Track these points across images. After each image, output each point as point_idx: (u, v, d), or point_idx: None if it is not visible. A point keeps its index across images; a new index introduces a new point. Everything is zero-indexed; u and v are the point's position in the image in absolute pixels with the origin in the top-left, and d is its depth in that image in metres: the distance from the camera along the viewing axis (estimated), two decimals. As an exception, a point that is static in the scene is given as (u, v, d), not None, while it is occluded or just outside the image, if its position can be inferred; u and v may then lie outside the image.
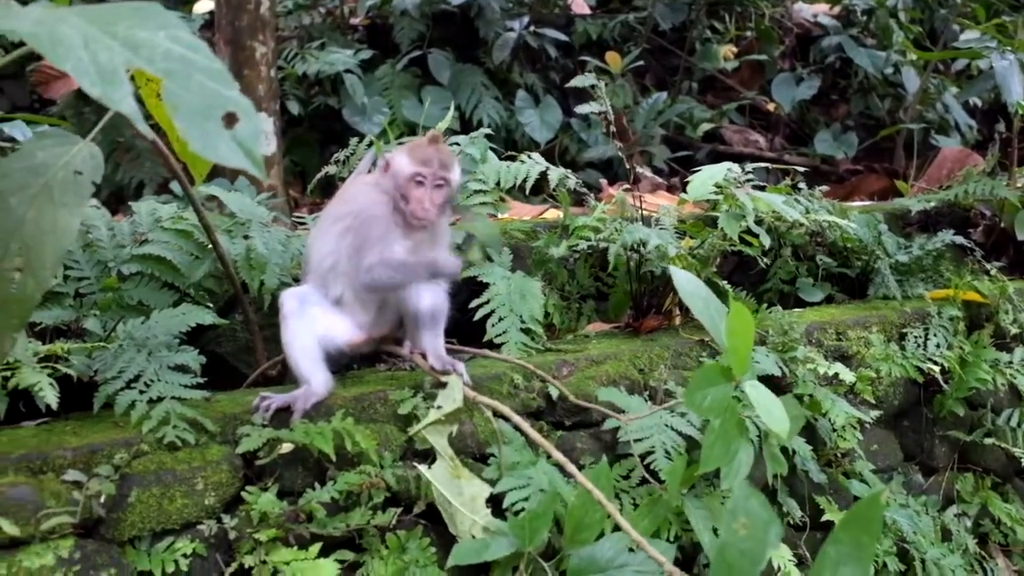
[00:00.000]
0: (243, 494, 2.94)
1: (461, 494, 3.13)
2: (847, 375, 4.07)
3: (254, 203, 4.03)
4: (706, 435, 2.86)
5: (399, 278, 3.27)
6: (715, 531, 3.35)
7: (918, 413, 4.75)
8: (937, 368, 4.49)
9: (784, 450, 3.84)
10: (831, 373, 4.06)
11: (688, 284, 2.79)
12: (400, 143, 4.46)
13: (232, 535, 2.88)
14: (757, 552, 1.71)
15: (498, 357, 3.63)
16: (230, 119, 1.85)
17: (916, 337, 4.66)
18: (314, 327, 3.27)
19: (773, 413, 2.78)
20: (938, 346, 4.64)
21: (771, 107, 9.43)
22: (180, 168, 3.35)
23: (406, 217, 3.25)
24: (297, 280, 3.63)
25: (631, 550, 3.04)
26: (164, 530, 2.83)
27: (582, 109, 4.07)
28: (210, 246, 3.54)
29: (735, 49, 9.71)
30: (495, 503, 3.18)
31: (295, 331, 3.26)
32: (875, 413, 4.20)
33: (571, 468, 3.08)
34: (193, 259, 3.65)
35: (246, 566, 2.86)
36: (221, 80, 1.89)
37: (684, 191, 4.21)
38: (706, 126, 8.98)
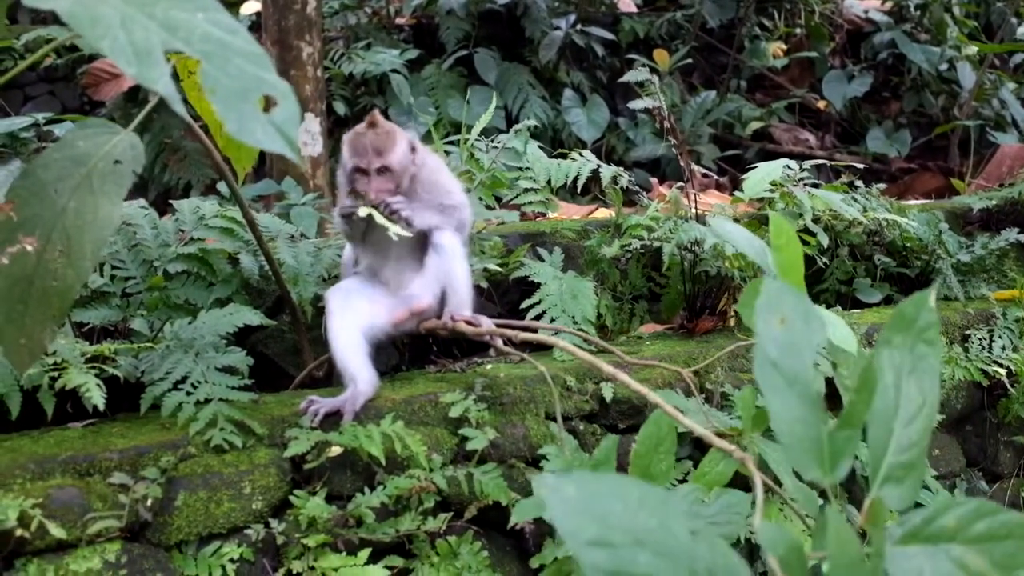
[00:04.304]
0: (291, 498, 2.88)
1: None
2: (910, 378, 3.92)
3: (278, 219, 3.96)
4: None
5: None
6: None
7: (981, 417, 4.60)
8: (1003, 371, 4.34)
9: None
10: (892, 376, 3.92)
11: (726, 225, 2.66)
12: (449, 142, 4.40)
13: (280, 540, 2.83)
14: (803, 344, 1.55)
15: (556, 342, 3.55)
16: (268, 103, 1.79)
17: (980, 339, 4.51)
18: (358, 319, 3.25)
19: (839, 332, 2.63)
20: (1003, 348, 4.49)
21: (821, 105, 9.26)
22: (226, 165, 3.31)
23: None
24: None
25: (703, 502, 2.91)
26: (211, 534, 2.78)
27: (636, 105, 3.97)
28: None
29: (784, 46, 9.55)
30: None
31: (339, 327, 3.23)
32: (937, 417, 4.05)
33: (644, 390, 2.90)
34: (233, 265, 3.63)
35: (294, 572, 2.80)
36: (260, 63, 1.83)
37: (734, 190, 4.11)
38: (755, 125, 8.84)
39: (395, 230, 3.11)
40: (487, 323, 3.30)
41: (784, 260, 2.41)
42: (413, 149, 3.30)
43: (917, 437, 1.51)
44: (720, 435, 3.12)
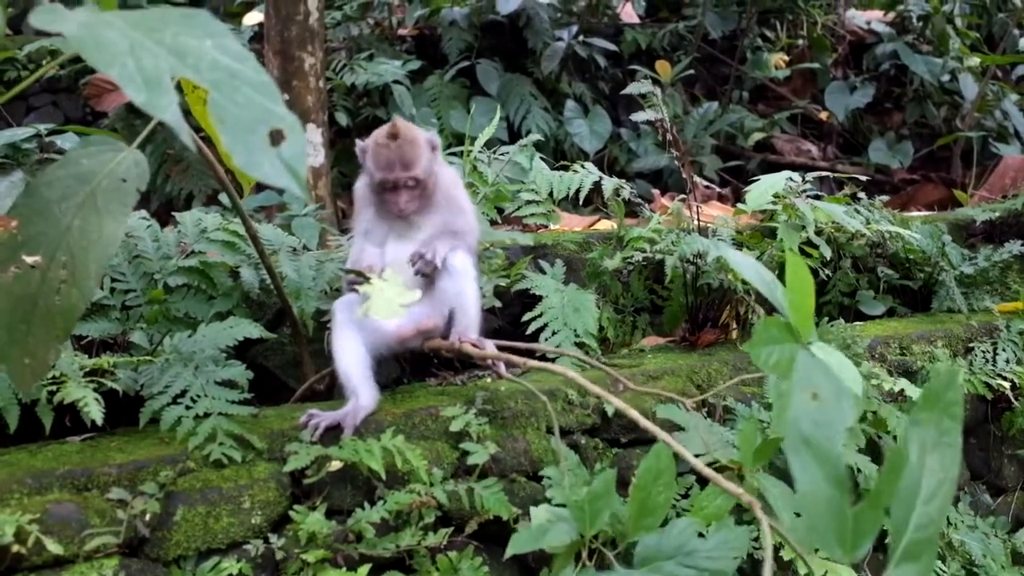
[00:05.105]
0: (291, 513, 2.86)
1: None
2: (913, 391, 3.90)
3: (280, 231, 3.95)
4: (774, 399, 2.71)
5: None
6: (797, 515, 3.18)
7: (985, 431, 4.58)
8: (1007, 384, 4.32)
9: (847, 469, 3.69)
10: (896, 389, 3.91)
11: (740, 259, 2.66)
12: (451, 154, 4.39)
13: (279, 555, 2.80)
14: (834, 422, 1.57)
15: (563, 371, 3.52)
16: (276, 136, 1.77)
17: (984, 352, 4.50)
18: (364, 334, 3.23)
19: (845, 372, 2.62)
20: (1007, 361, 4.47)
21: (823, 116, 9.25)
22: (228, 179, 3.29)
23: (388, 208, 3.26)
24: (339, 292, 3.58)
25: (701, 535, 2.90)
26: (210, 550, 2.76)
27: (638, 117, 3.96)
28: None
29: (787, 57, 9.53)
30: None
31: (344, 340, 3.22)
32: (942, 432, 4.03)
33: (644, 422, 2.87)
34: (233, 279, 3.62)
35: (294, 587, 2.78)
36: (268, 94, 1.81)
37: (736, 201, 4.09)
38: (757, 136, 8.83)
39: (407, 300, 3.12)
40: (491, 347, 3.29)
41: (796, 299, 2.43)
42: (433, 148, 3.29)
43: (936, 515, 1.54)
44: (722, 469, 3.12)
